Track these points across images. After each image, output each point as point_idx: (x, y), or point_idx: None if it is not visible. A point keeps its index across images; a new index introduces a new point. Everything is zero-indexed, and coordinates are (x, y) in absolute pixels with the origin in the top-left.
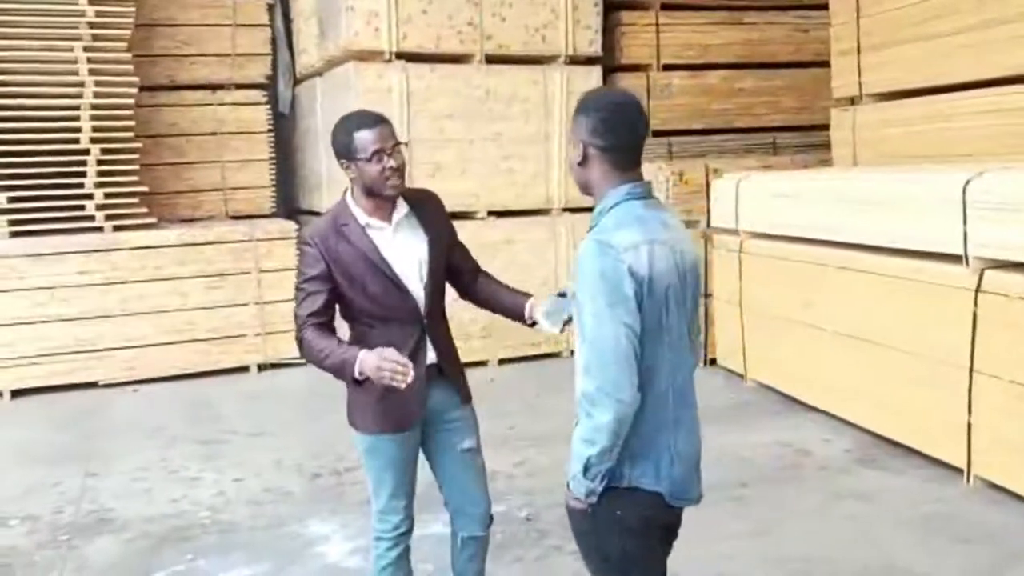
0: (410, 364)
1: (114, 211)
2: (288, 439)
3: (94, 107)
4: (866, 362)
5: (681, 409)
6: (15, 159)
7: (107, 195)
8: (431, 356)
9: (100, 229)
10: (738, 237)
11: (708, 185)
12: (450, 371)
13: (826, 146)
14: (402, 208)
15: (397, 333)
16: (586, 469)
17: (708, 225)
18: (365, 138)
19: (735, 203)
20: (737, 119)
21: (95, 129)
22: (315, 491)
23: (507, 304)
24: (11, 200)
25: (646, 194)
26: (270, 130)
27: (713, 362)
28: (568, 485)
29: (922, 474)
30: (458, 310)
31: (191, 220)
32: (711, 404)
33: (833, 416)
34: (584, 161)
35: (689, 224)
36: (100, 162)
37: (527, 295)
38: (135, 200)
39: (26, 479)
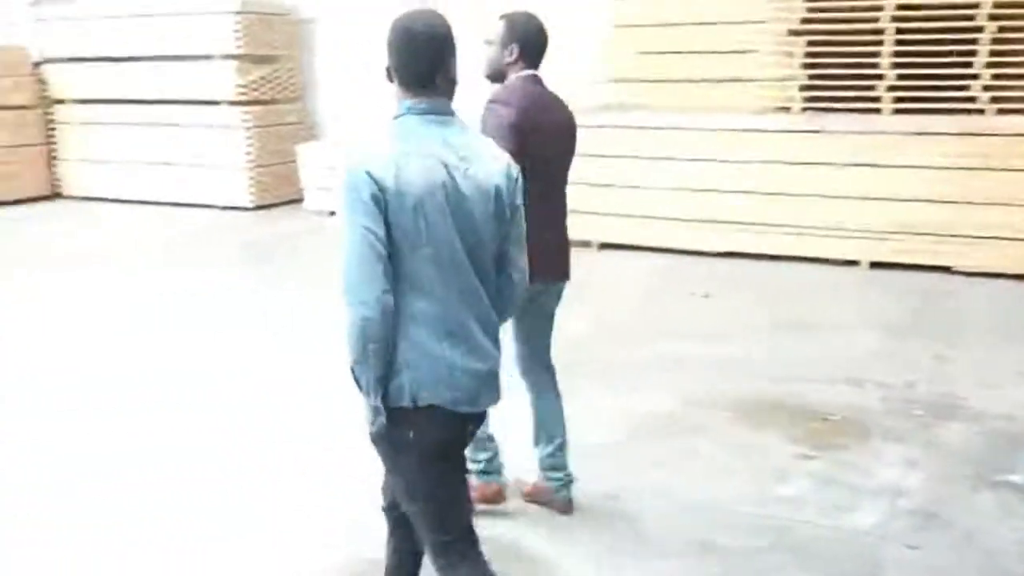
0: None
1: (1000, 92)
2: None
3: None
4: None
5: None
6: (907, 36)
7: (994, 76)
8: None
9: (981, 111)
10: None
11: None
12: None
13: None
14: None
15: None
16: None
17: None
18: None
19: None
20: None
21: (995, 5)
22: None
23: None
24: (900, 78)
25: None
26: None
27: None
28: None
29: None
30: None
31: None
32: None
33: None
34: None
35: None
36: (994, 40)
37: None
38: None
39: (875, 347)
